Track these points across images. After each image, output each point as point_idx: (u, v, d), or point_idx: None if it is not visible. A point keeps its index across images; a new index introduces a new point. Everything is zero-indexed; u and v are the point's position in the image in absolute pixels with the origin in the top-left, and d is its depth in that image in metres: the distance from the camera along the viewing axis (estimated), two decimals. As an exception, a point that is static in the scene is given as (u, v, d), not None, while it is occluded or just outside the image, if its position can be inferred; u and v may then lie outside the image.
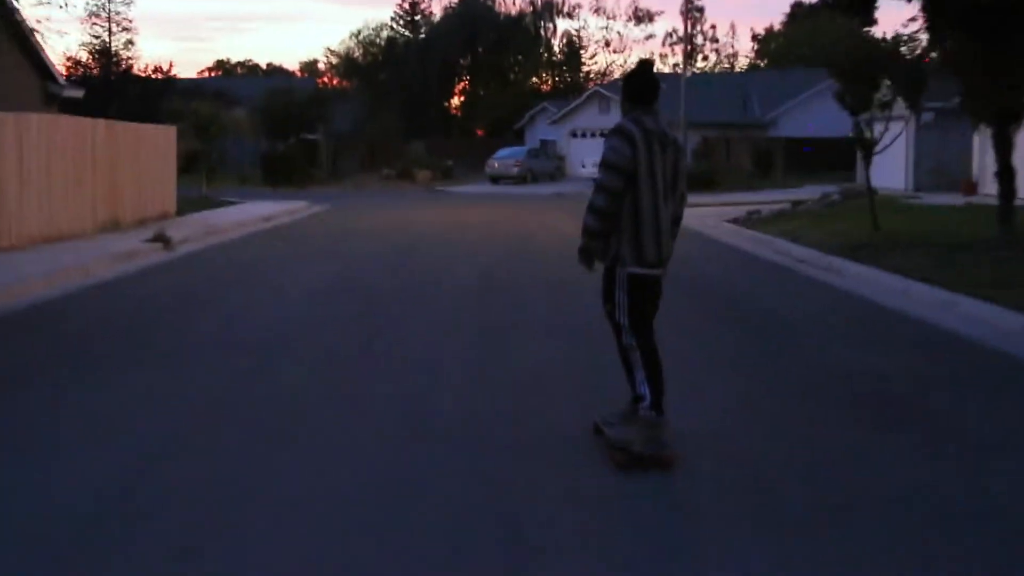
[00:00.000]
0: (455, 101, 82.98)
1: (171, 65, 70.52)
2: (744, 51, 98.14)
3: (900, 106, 39.38)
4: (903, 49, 19.91)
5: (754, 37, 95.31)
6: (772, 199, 35.39)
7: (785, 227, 22.83)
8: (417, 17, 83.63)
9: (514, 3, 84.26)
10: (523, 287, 14.99)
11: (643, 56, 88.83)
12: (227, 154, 56.16)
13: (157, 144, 27.00)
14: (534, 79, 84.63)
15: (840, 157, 54.70)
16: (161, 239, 20.82)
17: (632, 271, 6.54)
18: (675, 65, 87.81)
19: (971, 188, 34.55)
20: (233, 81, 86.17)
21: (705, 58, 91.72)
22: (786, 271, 17.18)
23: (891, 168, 40.53)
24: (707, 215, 29.29)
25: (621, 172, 6.41)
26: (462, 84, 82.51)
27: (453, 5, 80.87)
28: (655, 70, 6.90)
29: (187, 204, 31.49)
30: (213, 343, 10.54)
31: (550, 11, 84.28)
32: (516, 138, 71.73)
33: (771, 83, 62.99)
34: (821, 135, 57.02)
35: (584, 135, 63.16)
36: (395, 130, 70.57)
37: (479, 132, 79.43)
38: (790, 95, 60.55)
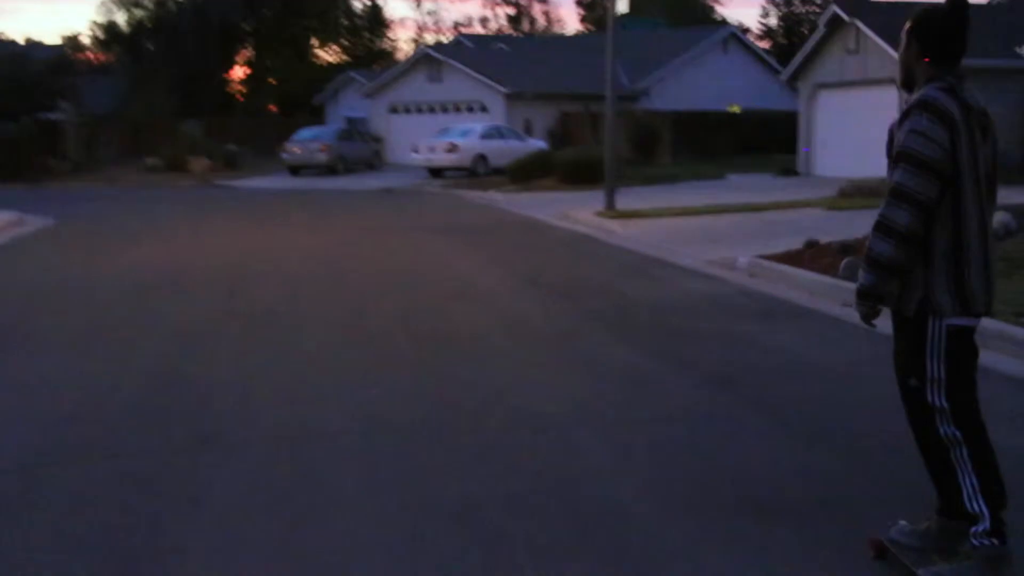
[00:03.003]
0: (238, 73, 69.01)
1: None
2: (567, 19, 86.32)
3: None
4: None
5: (579, 2, 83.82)
6: (757, 202, 23.79)
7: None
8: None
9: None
10: None
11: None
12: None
13: None
14: (332, 46, 71.33)
15: (743, 135, 44.32)
16: None
17: (954, 323, 4.44)
18: (497, 30, 75.94)
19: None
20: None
21: (532, 23, 79.97)
22: None
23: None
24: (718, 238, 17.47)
25: (937, 173, 4.32)
26: (246, 53, 68.76)
27: (233, -41, 66.66)
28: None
29: None
30: None
31: (349, -36, 70.98)
32: (314, 116, 58.80)
33: (633, 46, 51.76)
34: (701, 107, 46.33)
35: (409, 110, 50.36)
36: (165, 108, 56.76)
37: (272, 108, 65.85)
38: (660, 61, 49.53)
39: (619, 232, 19.75)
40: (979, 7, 31.41)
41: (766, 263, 14.21)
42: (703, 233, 18.47)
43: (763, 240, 16.77)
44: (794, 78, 34.48)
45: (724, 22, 68.81)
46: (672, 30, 55.90)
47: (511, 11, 79.71)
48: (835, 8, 30.79)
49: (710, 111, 45.72)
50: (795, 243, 15.23)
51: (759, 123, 46.04)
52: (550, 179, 32.72)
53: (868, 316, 4.59)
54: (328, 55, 71.42)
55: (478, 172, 38.67)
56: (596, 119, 44.41)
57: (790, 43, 70.70)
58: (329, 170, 43.15)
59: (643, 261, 15.97)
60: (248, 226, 22.42)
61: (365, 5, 71.87)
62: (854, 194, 22.66)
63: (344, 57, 70.33)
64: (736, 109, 47.98)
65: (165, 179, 42.01)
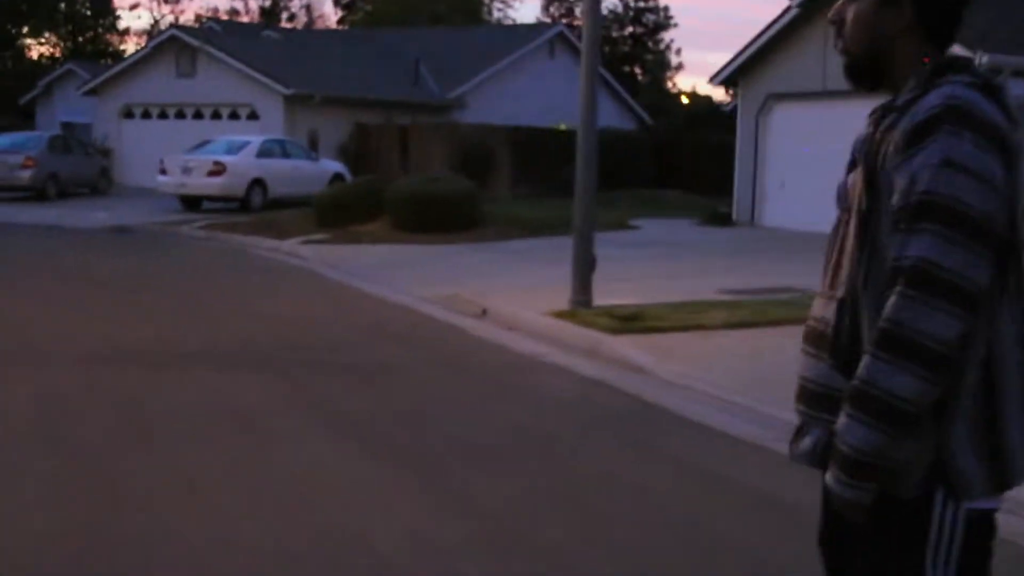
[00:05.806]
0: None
1: None
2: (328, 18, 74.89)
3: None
4: None
5: (337, 2, 72.52)
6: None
7: None
8: None
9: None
10: None
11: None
12: None
13: None
14: (47, 35, 58.52)
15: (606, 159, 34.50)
16: None
17: (978, 507, 2.38)
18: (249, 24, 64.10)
19: None
20: None
21: (292, 17, 68.38)
22: None
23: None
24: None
25: (994, 239, 2.26)
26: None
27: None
28: None
29: None
30: None
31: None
32: (23, 120, 46.32)
33: (441, 47, 41.39)
34: (527, 122, 36.45)
35: (150, 115, 38.33)
36: None
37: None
38: (475, 66, 39.39)
39: (663, 376, 9.15)
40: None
41: None
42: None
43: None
44: (731, 83, 24.36)
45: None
46: (487, 29, 45.97)
47: (266, 2, 67.97)
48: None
49: (544, 128, 35.82)
50: None
51: (607, 146, 36.45)
52: (377, 223, 21.92)
53: (861, 507, 2.33)
54: (43, 47, 58.81)
55: (253, 204, 27.51)
56: (405, 134, 33.82)
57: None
58: (37, 194, 31.07)
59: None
60: None
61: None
62: None
63: (62, 52, 57.80)
64: (564, 127, 38.42)
65: None
